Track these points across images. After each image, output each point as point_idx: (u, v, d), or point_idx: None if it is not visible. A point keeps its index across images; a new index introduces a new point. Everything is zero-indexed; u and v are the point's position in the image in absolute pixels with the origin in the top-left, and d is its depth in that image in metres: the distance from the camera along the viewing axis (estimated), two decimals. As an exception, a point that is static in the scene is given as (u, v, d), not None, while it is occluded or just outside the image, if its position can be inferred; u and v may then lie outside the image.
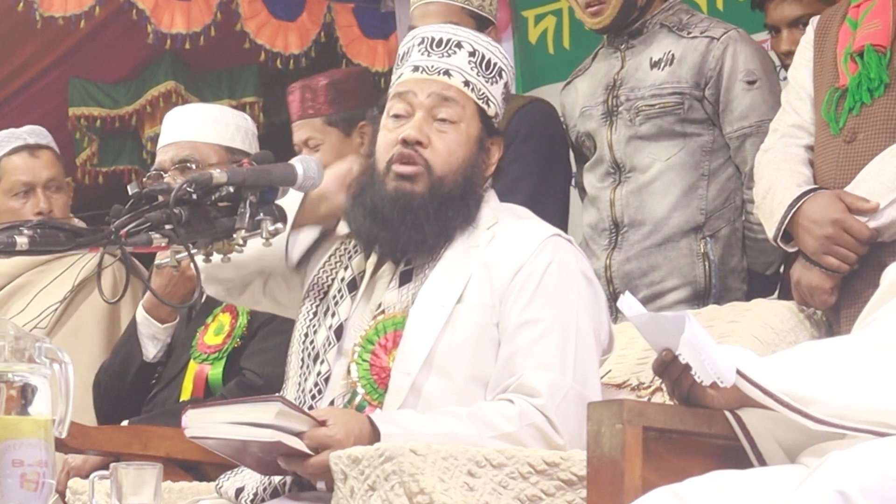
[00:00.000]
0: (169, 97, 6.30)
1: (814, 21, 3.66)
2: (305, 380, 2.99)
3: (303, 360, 3.02)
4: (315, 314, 3.05)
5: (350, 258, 3.07)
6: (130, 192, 2.65)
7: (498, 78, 3.07)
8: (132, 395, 4.10)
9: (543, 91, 5.37)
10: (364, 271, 3.05)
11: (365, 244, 3.03)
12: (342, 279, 3.05)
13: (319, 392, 2.96)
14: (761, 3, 4.31)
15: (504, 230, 2.99)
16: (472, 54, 3.06)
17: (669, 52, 4.03)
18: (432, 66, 3.05)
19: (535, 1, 5.86)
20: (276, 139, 4.77)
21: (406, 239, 2.95)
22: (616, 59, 4.12)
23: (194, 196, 2.60)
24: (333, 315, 3.02)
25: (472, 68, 3.05)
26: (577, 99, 4.20)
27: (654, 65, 4.04)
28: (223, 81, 6.46)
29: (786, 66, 4.26)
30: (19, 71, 6.33)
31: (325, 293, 3.06)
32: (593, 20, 4.09)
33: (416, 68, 3.07)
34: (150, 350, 4.09)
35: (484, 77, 3.06)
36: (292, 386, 3.02)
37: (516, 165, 4.16)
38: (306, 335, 3.04)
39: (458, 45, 3.07)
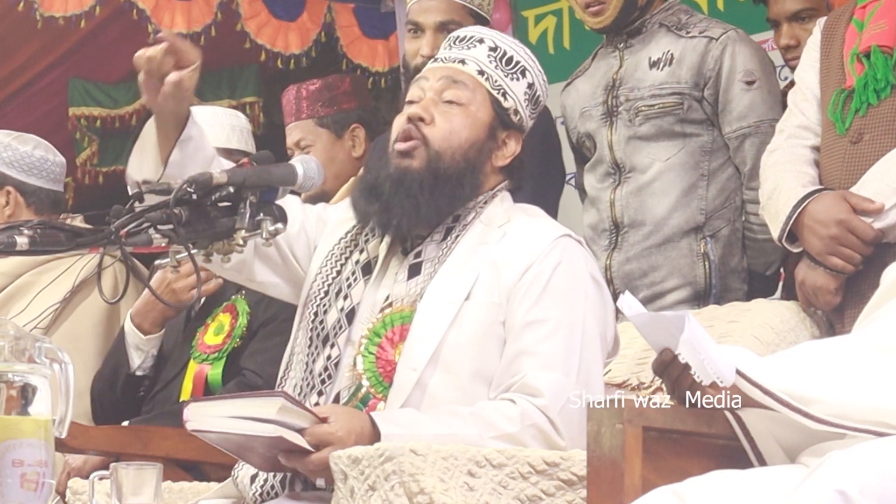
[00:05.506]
0: (169, 97, 6.29)
1: (820, 22, 3.66)
2: (314, 361, 2.96)
3: (311, 339, 2.99)
4: (326, 293, 3.02)
5: (367, 241, 3.05)
6: (130, 192, 2.65)
7: (520, 76, 3.07)
8: (122, 404, 4.10)
9: (543, 91, 5.37)
10: (378, 256, 3.03)
11: (360, 220, 3.03)
12: (357, 261, 3.03)
13: (329, 377, 2.93)
14: (762, -4, 4.33)
15: (515, 229, 2.98)
16: (492, 49, 3.07)
17: (668, 51, 4.02)
18: (449, 57, 3.09)
19: (535, 1, 5.87)
20: (277, 139, 4.77)
21: (399, 211, 2.94)
22: (614, 58, 4.12)
23: (194, 196, 2.60)
24: (346, 298, 2.99)
25: (490, 61, 3.06)
26: (577, 99, 4.20)
27: (653, 65, 4.04)
28: (223, 81, 6.46)
29: (786, 61, 4.27)
30: (19, 71, 6.33)
31: (339, 273, 3.05)
32: (594, 20, 4.09)
33: (435, 60, 3.13)
34: (136, 360, 4.09)
35: (503, 71, 3.06)
36: (298, 363, 3.00)
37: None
38: (316, 314, 3.01)
39: (480, 41, 3.09)
